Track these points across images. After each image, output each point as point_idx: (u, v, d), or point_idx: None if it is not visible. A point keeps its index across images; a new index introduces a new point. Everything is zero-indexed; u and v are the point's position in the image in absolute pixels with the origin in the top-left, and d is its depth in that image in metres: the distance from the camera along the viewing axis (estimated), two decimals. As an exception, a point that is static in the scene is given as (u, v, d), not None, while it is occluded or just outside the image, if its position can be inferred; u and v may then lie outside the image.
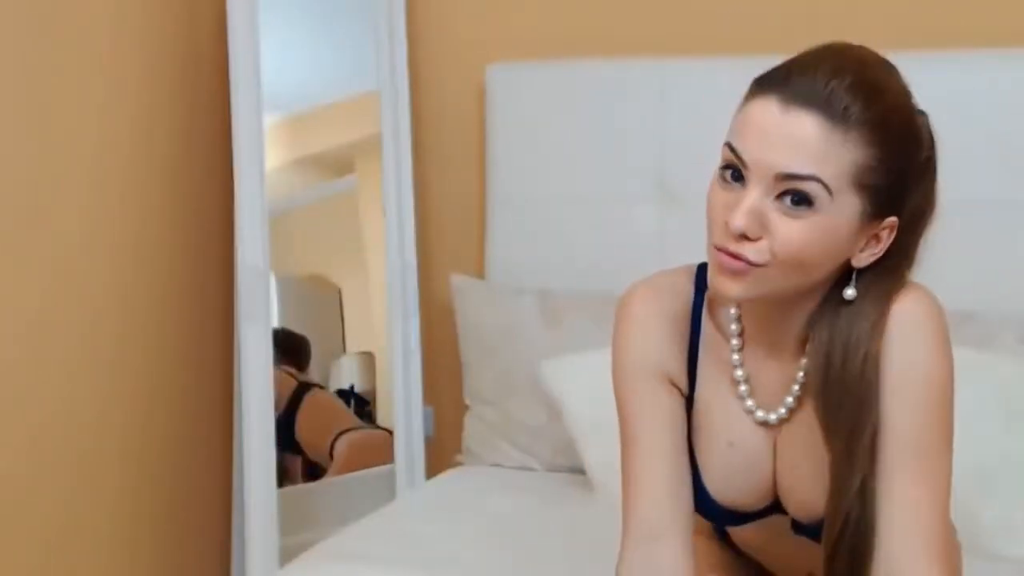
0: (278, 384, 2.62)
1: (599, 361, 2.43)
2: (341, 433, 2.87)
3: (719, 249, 1.14)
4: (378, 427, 2.94)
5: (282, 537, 2.50)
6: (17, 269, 2.15)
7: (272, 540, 2.47)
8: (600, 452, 2.29)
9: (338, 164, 3.06)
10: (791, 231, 1.10)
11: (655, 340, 1.28)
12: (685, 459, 1.29)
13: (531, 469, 2.58)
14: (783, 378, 1.24)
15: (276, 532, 2.48)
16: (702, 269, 1.28)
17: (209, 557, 2.72)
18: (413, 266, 2.85)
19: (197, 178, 2.64)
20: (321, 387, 2.92)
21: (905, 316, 1.18)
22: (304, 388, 2.83)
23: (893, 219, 1.17)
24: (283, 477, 2.65)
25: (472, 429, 2.69)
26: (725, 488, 1.28)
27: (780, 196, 1.11)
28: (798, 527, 1.28)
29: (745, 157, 1.11)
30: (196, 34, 2.63)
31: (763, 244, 1.11)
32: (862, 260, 1.18)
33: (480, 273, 2.86)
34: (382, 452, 2.84)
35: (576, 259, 2.73)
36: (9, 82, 2.12)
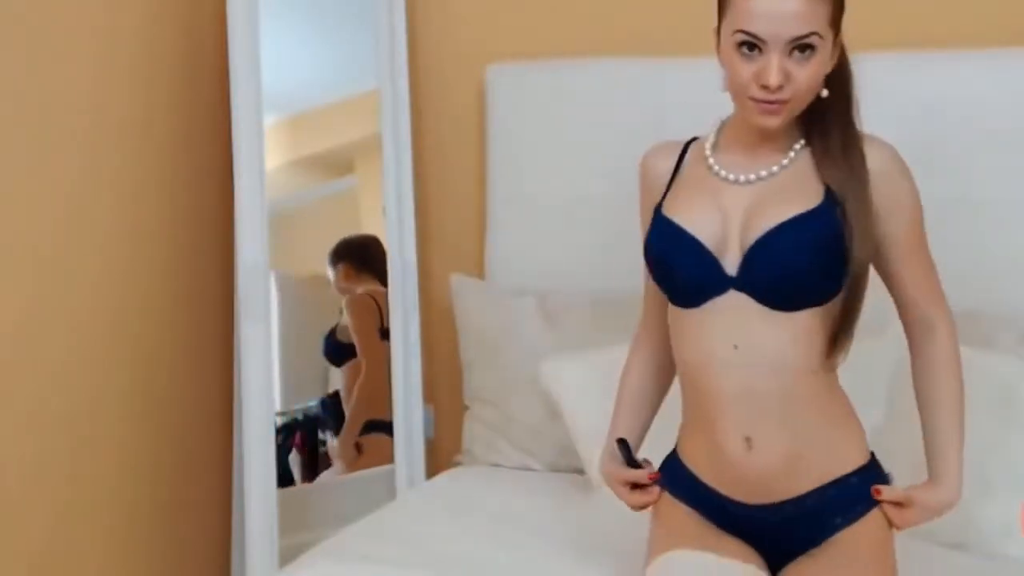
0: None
1: (599, 361, 2.46)
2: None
3: (759, 101, 1.59)
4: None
5: (282, 537, 2.50)
6: (15, 268, 2.15)
7: (272, 540, 2.47)
8: (600, 452, 2.29)
9: (338, 164, 3.06)
10: (806, 73, 1.58)
11: (652, 168, 1.83)
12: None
13: (531, 469, 2.58)
14: (754, 167, 1.69)
15: (276, 532, 2.48)
16: (689, 142, 1.82)
17: (209, 557, 2.72)
18: (413, 266, 2.85)
19: (197, 178, 2.64)
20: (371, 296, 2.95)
21: (885, 155, 1.67)
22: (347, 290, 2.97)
23: (839, 38, 1.65)
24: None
25: (472, 429, 2.69)
26: (692, 221, 1.70)
27: (791, 52, 1.57)
28: (751, 270, 1.63)
29: (762, 35, 1.56)
30: (196, 34, 2.64)
31: (787, 88, 1.58)
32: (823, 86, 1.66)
33: (480, 273, 2.86)
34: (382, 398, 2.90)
35: (576, 260, 2.73)
36: (7, 82, 2.12)
